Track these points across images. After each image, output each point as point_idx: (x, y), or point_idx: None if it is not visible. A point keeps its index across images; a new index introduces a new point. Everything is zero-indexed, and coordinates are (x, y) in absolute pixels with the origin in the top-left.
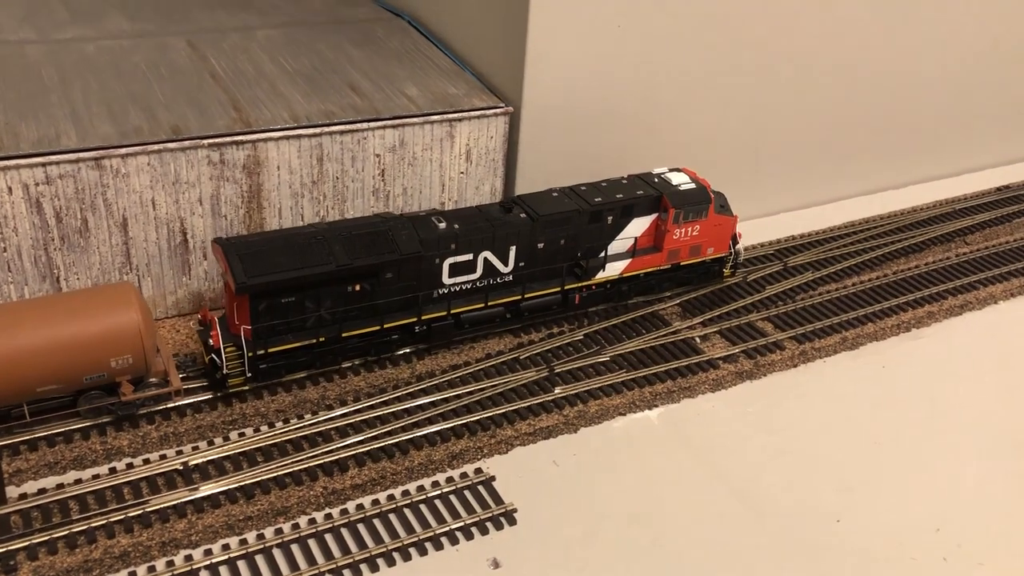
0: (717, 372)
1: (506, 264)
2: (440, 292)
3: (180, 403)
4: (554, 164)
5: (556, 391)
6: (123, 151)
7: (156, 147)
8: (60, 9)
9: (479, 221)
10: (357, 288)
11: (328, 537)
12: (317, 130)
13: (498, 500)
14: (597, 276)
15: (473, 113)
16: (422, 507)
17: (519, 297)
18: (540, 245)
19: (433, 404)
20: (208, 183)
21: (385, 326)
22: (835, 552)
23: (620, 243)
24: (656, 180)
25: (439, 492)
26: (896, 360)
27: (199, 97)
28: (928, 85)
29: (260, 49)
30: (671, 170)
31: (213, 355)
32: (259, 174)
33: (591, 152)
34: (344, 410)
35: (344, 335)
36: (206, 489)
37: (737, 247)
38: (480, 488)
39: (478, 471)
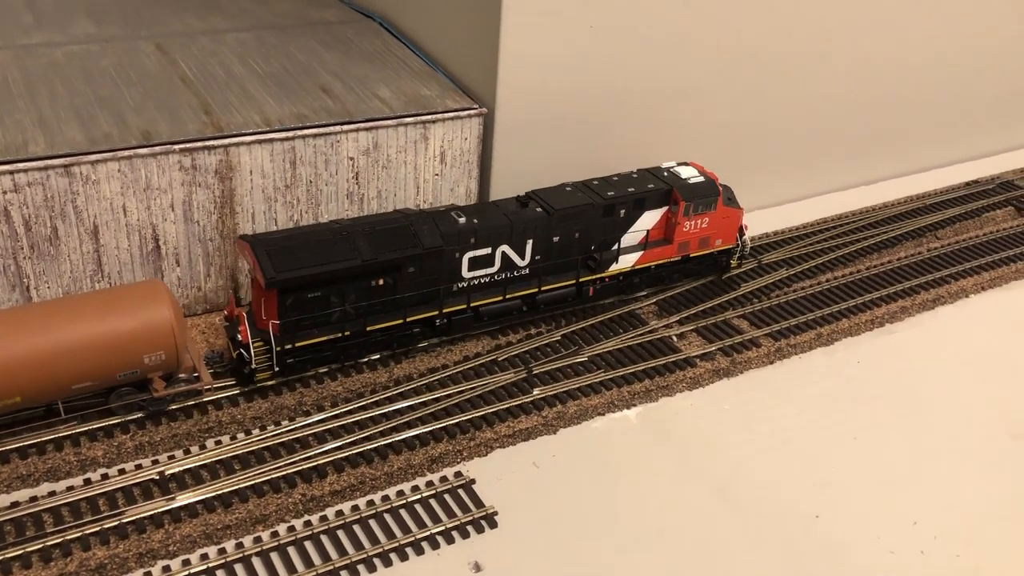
0: (694, 370)
1: (523, 257)
2: (460, 286)
3: (209, 399)
4: (529, 165)
5: (535, 392)
6: (93, 158)
7: (126, 153)
8: (25, 14)
9: (497, 216)
10: (380, 283)
11: (308, 544)
12: (290, 134)
13: (478, 503)
14: (610, 268)
15: (447, 115)
16: (402, 512)
17: (535, 290)
18: (555, 239)
19: (411, 408)
20: (180, 189)
21: (407, 319)
22: (814, 547)
23: (632, 236)
24: (666, 174)
25: (419, 496)
26: (871, 355)
27: (169, 102)
28: (897, 82)
29: (230, 52)
30: (680, 164)
31: (241, 350)
32: (231, 179)
33: (566, 152)
34: (322, 415)
35: (368, 329)
36: (183, 498)
37: (744, 238)
38: (460, 491)
39: (458, 474)
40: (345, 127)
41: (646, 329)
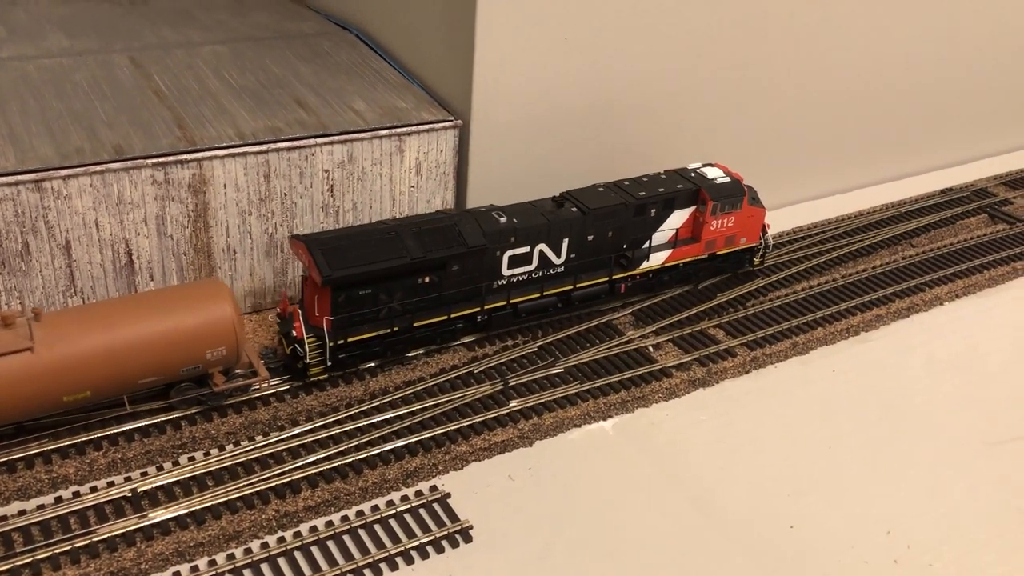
0: (670, 380)
1: (559, 256)
2: (499, 283)
3: (266, 392)
4: (505, 176)
5: (511, 404)
6: (64, 172)
7: (99, 168)
8: None
9: (535, 215)
10: (427, 280)
11: (281, 561)
12: (264, 147)
13: (453, 518)
14: (641, 266)
15: (422, 127)
16: (376, 527)
17: (571, 287)
18: (590, 237)
19: (387, 421)
20: (153, 203)
21: (451, 316)
22: (789, 557)
23: (662, 234)
24: (693, 175)
25: (394, 511)
26: (846, 364)
27: (142, 115)
28: (871, 91)
29: (205, 65)
30: (705, 165)
31: (296, 345)
32: (205, 193)
33: (542, 163)
34: (296, 430)
35: (415, 325)
36: (155, 516)
37: (766, 237)
38: (435, 506)
39: (433, 488)
40: (320, 140)
41: (622, 340)
